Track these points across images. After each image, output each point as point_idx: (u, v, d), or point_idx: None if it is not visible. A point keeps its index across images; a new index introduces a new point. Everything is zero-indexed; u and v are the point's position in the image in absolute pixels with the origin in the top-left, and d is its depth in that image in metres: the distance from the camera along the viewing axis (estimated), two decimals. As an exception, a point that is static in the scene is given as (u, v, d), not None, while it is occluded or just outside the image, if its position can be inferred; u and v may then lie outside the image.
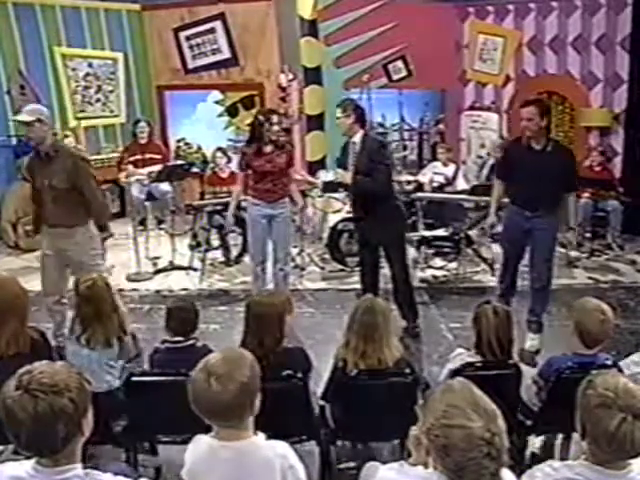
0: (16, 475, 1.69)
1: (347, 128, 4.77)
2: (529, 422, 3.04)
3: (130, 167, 7.18)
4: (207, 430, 2.03)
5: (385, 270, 5.20)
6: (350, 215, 6.40)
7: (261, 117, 5.07)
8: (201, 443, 2.03)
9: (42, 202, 4.42)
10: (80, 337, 3.16)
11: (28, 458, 1.71)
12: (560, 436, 3.17)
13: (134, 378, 2.88)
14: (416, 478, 1.75)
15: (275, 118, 5.05)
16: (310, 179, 6.55)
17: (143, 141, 7.56)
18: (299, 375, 2.82)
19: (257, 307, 3.08)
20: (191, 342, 3.26)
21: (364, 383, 2.93)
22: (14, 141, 7.76)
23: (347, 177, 4.81)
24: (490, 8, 8.53)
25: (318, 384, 3.20)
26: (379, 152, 4.72)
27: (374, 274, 5.10)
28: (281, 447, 2.02)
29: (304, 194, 6.71)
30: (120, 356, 3.22)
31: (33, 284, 4.58)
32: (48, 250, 4.50)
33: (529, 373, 3.10)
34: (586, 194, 7.16)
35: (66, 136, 8.16)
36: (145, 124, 7.66)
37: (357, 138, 4.79)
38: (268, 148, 5.05)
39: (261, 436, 2.02)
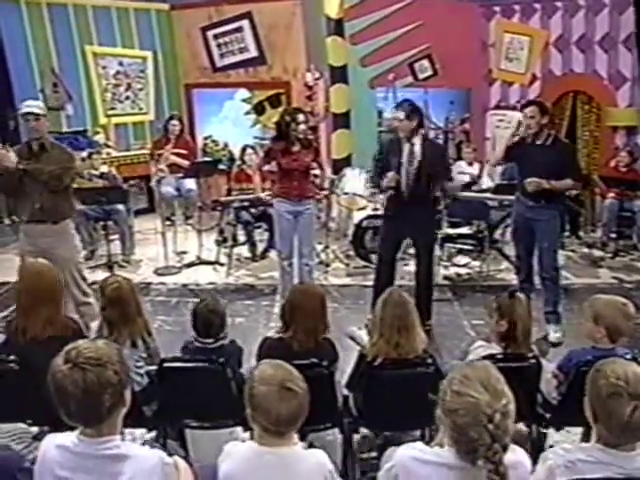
0: (63, 444, 1.82)
1: (409, 132, 4.75)
2: (548, 415, 3.09)
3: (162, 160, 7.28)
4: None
5: (409, 267, 5.26)
6: (375, 213, 6.49)
7: (287, 117, 5.15)
8: (240, 445, 2.09)
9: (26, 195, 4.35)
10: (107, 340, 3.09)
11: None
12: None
13: (166, 364, 2.98)
14: (432, 455, 1.85)
15: (301, 117, 5.15)
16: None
17: (173, 137, 7.66)
18: (325, 364, 2.89)
19: (301, 297, 3.21)
20: (220, 343, 3.25)
21: (388, 373, 2.99)
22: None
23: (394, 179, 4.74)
24: (516, 7, 8.49)
25: (342, 375, 3.29)
26: (443, 158, 4.83)
27: (391, 269, 5.12)
28: (320, 455, 2.08)
29: (331, 191, 6.80)
30: (147, 360, 3.18)
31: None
32: (28, 253, 4.29)
33: (549, 367, 3.14)
34: (612, 194, 7.15)
35: (96, 133, 8.38)
36: (177, 121, 7.73)
37: (417, 141, 4.77)
38: (295, 147, 5.16)
39: (300, 444, 2.09)
